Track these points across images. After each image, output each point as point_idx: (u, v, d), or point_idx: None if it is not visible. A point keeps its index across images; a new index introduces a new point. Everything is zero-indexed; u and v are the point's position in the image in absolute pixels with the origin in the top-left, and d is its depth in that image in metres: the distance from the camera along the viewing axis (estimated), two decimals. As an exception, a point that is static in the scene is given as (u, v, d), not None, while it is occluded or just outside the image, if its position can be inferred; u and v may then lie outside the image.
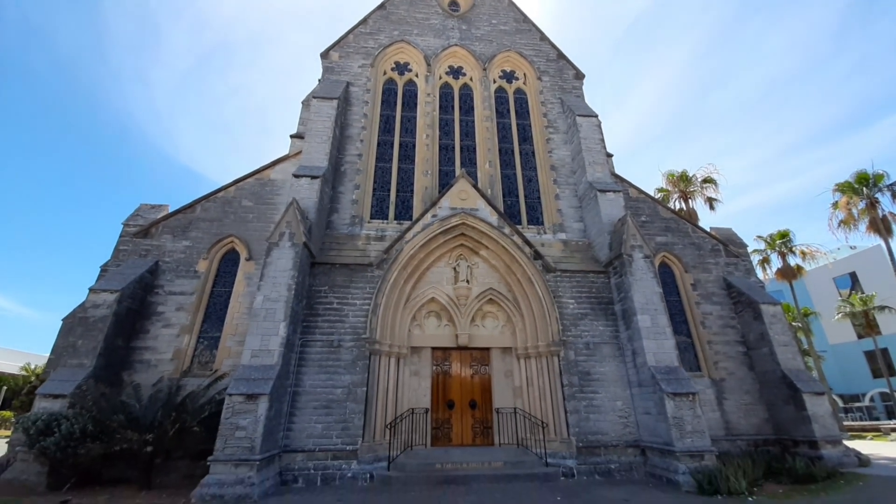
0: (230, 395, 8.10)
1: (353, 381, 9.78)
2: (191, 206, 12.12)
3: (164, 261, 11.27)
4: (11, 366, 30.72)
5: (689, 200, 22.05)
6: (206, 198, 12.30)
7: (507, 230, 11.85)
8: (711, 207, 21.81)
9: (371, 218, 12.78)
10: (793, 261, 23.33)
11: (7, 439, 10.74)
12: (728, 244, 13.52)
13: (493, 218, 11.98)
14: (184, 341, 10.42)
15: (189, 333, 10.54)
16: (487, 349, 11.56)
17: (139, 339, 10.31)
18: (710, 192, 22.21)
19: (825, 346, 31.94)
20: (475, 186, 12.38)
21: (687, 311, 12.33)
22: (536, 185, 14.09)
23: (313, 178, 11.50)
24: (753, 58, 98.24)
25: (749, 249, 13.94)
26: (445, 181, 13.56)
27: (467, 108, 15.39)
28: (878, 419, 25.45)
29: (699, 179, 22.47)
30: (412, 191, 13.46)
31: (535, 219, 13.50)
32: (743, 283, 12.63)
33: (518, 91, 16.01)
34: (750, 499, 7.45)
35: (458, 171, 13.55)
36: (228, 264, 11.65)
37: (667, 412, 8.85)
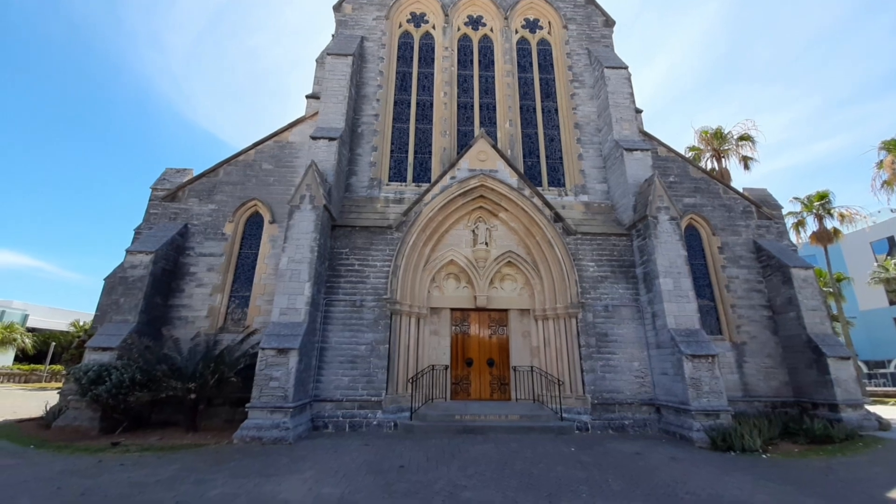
0: (263, 349, 8.63)
1: (375, 338, 10.20)
2: (214, 170, 12.32)
3: (193, 223, 11.66)
4: (60, 324, 33.38)
5: (723, 160, 20.84)
6: (227, 161, 12.44)
7: (526, 192, 11.60)
8: (746, 167, 20.60)
9: (389, 180, 12.70)
10: (830, 224, 22.09)
11: (58, 390, 11.90)
12: (761, 206, 12.88)
13: (513, 179, 11.71)
14: (217, 300, 10.99)
15: (221, 293, 11.09)
16: (505, 311, 11.74)
17: (176, 298, 10.93)
18: (746, 151, 20.89)
19: (855, 312, 30.93)
20: (494, 147, 12.03)
21: (712, 274, 12.04)
22: (559, 145, 13.55)
23: (331, 139, 11.39)
24: (796, 7, 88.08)
25: (784, 212, 13.25)
26: (464, 142, 13.20)
27: (487, 62, 14.62)
28: (903, 385, 24.94)
29: (735, 137, 21.08)
30: (430, 152, 13.20)
31: (557, 180, 13.12)
32: (774, 246, 12.14)
33: (542, 42, 15.02)
34: (764, 456, 7.61)
35: (476, 130, 13.14)
36: (253, 227, 11.96)
37: (684, 373, 8.93)
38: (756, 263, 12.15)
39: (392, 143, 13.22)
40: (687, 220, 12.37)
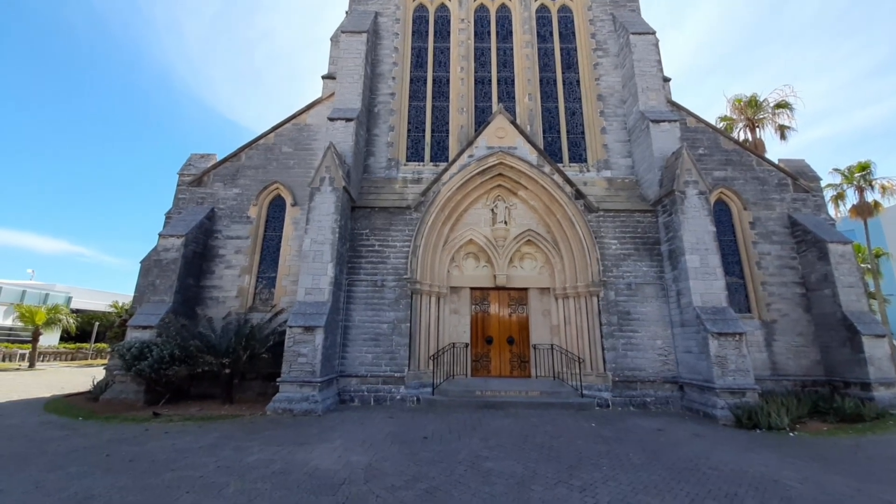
0: (290, 327, 8.98)
1: (397, 317, 10.42)
2: (236, 155, 12.55)
3: (219, 207, 12.01)
4: (101, 305, 35.45)
5: (757, 129, 19.65)
6: (248, 146, 12.64)
7: (546, 169, 11.35)
8: (783, 137, 19.38)
9: (407, 160, 12.65)
10: (871, 196, 20.72)
11: (104, 366, 12.76)
12: (798, 178, 12.17)
13: (533, 156, 11.45)
14: (245, 281, 11.42)
15: (249, 274, 11.51)
16: (525, 289, 11.73)
17: (207, 279, 11.42)
18: (783, 119, 19.58)
19: (893, 289, 29.35)
20: (513, 123, 11.73)
21: (742, 251, 11.60)
22: (580, 119, 13.08)
23: (348, 120, 11.37)
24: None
25: (822, 184, 12.48)
26: (482, 118, 12.93)
27: (505, 33, 14.09)
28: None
29: (771, 104, 19.76)
30: (447, 130, 13.01)
31: (578, 156, 12.74)
32: (810, 220, 11.53)
33: (563, 9, 14.31)
34: (791, 434, 7.49)
35: (494, 106, 12.82)
36: (276, 210, 12.23)
37: (709, 351, 8.78)
38: (790, 239, 11.61)
39: (409, 123, 13.08)
40: (716, 194, 11.86)
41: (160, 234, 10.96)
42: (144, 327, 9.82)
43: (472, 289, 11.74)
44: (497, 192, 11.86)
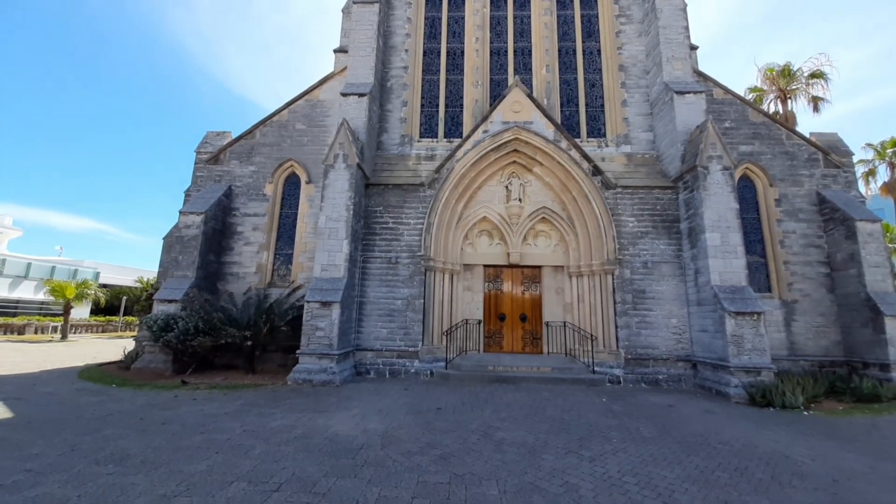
0: (308, 302, 9.23)
1: (410, 293, 10.58)
2: (251, 132, 12.59)
3: (236, 185, 12.18)
4: (127, 280, 36.86)
5: (789, 101, 18.61)
6: (262, 123, 12.64)
7: (563, 144, 11.06)
8: (816, 109, 18.33)
9: (420, 137, 12.49)
10: (903, 174, 19.63)
11: (133, 338, 13.38)
12: (829, 153, 11.58)
13: (549, 131, 11.15)
14: (263, 257, 11.70)
15: (267, 250, 11.77)
16: (539, 267, 11.70)
17: (227, 256, 11.73)
18: (817, 90, 18.47)
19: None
20: (529, 96, 11.38)
21: (765, 229, 11.24)
22: (600, 91, 12.59)
23: (360, 95, 11.21)
24: None
25: (854, 160, 11.86)
26: (497, 92, 12.57)
27: (522, 0, 13.46)
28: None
29: (805, 74, 18.61)
30: (461, 105, 12.72)
31: (597, 130, 12.35)
32: (839, 197, 11.04)
33: (584, -27, 13.52)
34: (805, 413, 7.46)
35: (510, 79, 12.42)
36: (291, 187, 12.34)
37: (726, 330, 8.69)
38: (817, 217, 11.17)
39: (422, 98, 12.82)
40: (741, 170, 11.41)
41: (181, 212, 11.23)
42: (170, 301, 10.23)
43: (485, 266, 11.77)
44: (512, 168, 11.67)
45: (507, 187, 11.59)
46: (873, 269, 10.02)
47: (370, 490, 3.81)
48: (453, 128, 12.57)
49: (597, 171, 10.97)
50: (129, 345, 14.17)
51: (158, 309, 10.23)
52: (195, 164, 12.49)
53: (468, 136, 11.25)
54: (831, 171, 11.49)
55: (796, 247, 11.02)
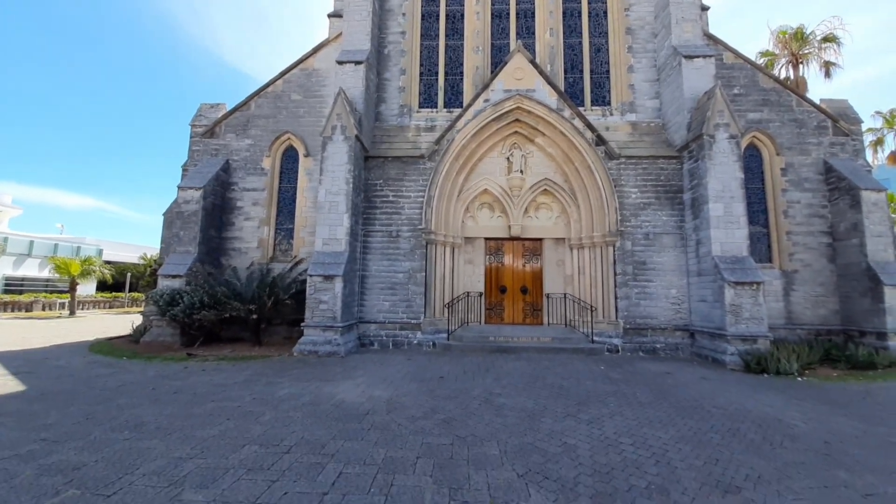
0: (311, 276, 9.31)
1: (412, 267, 10.63)
2: (245, 103, 12.27)
3: (233, 159, 11.99)
4: (130, 257, 37.04)
5: (801, 66, 17.95)
6: (257, 94, 12.29)
7: (566, 113, 10.78)
8: (828, 74, 17.71)
9: (420, 107, 12.16)
10: (912, 142, 19.21)
11: (141, 313, 13.57)
12: (839, 120, 11.27)
13: (552, 99, 10.84)
14: (264, 232, 11.69)
15: (267, 225, 11.74)
16: (540, 239, 11.69)
17: (228, 231, 11.72)
18: (830, 55, 17.78)
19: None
20: (532, 62, 10.98)
21: (769, 199, 11.12)
22: (606, 56, 12.13)
23: (357, 63, 10.83)
24: None
25: (862, 128, 11.56)
26: (499, 58, 12.12)
27: (526, -42, 12.73)
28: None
29: (818, 38, 17.86)
30: (461, 73, 12.30)
31: (602, 98, 11.99)
32: (846, 165, 10.85)
33: (591, -73, 12.71)
34: (799, 379, 7.64)
35: (513, 44, 11.95)
36: (289, 161, 12.15)
37: (724, 300, 8.77)
38: (822, 186, 11.02)
39: (421, 65, 12.39)
40: (748, 138, 11.16)
41: (179, 187, 11.13)
42: (174, 276, 10.32)
43: (486, 239, 11.76)
44: (513, 139, 11.43)
45: (508, 159, 11.40)
46: (875, 239, 9.98)
47: (377, 451, 3.97)
48: (453, 97, 12.21)
49: (600, 140, 10.74)
50: (137, 320, 14.44)
51: (163, 284, 10.33)
52: (190, 137, 12.25)
53: (469, 106, 10.96)
54: (839, 139, 11.23)
55: (800, 217, 10.94)
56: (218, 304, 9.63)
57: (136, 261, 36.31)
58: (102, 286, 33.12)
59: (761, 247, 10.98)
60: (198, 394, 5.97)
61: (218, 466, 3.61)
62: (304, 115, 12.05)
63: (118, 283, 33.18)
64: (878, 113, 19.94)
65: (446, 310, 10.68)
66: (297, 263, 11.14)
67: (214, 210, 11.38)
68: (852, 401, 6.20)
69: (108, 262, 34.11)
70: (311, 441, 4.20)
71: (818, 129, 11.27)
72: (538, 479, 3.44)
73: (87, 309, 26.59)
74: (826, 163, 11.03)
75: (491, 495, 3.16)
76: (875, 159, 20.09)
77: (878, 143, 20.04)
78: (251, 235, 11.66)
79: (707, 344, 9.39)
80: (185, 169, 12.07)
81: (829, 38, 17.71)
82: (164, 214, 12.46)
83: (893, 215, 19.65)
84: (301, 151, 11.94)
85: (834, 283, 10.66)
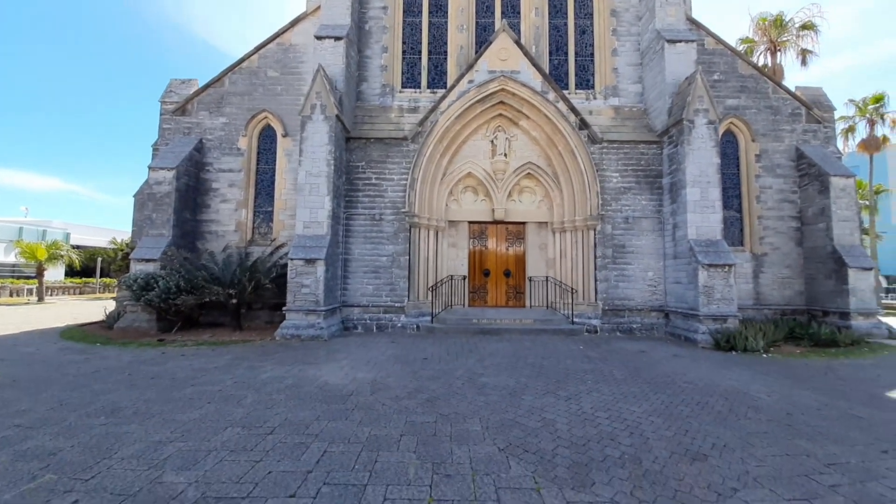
0: (292, 259, 9.15)
1: (395, 250, 10.58)
2: (219, 79, 11.71)
3: (207, 138, 11.50)
4: (100, 241, 35.50)
5: (779, 53, 18.33)
6: (231, 69, 11.73)
7: (551, 96, 10.73)
8: (804, 62, 18.16)
9: (402, 87, 11.87)
10: (881, 131, 20.08)
11: (114, 298, 13.12)
12: (812, 107, 11.61)
13: (537, 82, 10.75)
14: (242, 215, 11.36)
15: (245, 208, 11.40)
16: (523, 223, 11.77)
17: (204, 213, 11.34)
18: (807, 43, 18.21)
19: (887, 226, 29.69)
20: (517, 43, 10.82)
21: (743, 184, 11.47)
22: (590, 38, 12.05)
23: (337, 38, 10.44)
24: None
25: (835, 115, 11.95)
26: (483, 37, 11.89)
27: (511, -67, 12.37)
28: (922, 300, 24.83)
29: (796, 25, 18.21)
30: (445, 52, 12.02)
31: (586, 81, 11.97)
32: (817, 152, 11.24)
33: None
34: (764, 355, 8.06)
35: (497, 23, 11.72)
36: (267, 141, 11.75)
37: (698, 281, 9.10)
38: (794, 172, 11.42)
39: (403, 43, 12.04)
40: (726, 124, 11.40)
41: (150, 167, 10.64)
42: (147, 260, 9.97)
43: (470, 223, 11.77)
44: (497, 121, 11.34)
45: (492, 142, 11.33)
46: (842, 224, 10.46)
47: (361, 430, 4.02)
48: (437, 77, 11.97)
49: (584, 124, 10.77)
50: (110, 305, 13.95)
51: (136, 269, 9.97)
52: (160, 115, 11.66)
53: (453, 87, 10.77)
54: (812, 126, 11.60)
55: (771, 202, 11.34)
56: (196, 289, 9.38)
57: (106, 245, 34.81)
58: (72, 272, 31.78)
59: (734, 230, 11.37)
60: (177, 378, 5.86)
61: (199, 449, 3.59)
62: (282, 93, 11.61)
63: (88, 268, 31.89)
64: (851, 101, 20.62)
65: (430, 293, 10.73)
66: (278, 247, 10.92)
67: (188, 192, 10.97)
68: (814, 376, 6.54)
69: (76, 247, 32.67)
70: (295, 422, 4.21)
71: (792, 116, 11.59)
72: (518, 452, 3.56)
73: (57, 295, 25.52)
74: (798, 149, 11.40)
75: (473, 468, 3.26)
76: (846, 147, 20.89)
77: (850, 130, 20.78)
78: (228, 218, 11.32)
79: (680, 324, 9.77)
80: (155, 148, 11.52)
81: (808, 26, 18.08)
82: (134, 196, 11.92)
83: (861, 201, 20.69)
84: (279, 131, 11.54)
85: (800, 265, 11.19)
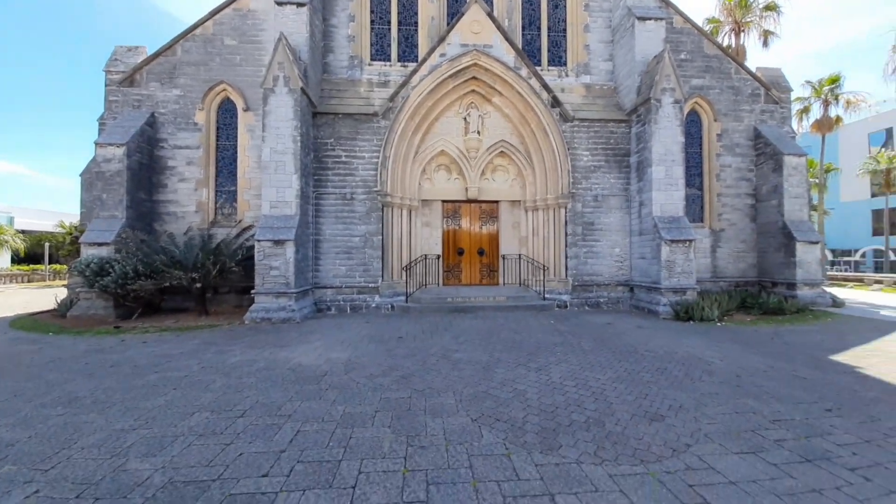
0: (259, 241, 8.82)
1: (368, 230, 10.40)
2: (170, 47, 10.80)
3: (160, 112, 10.69)
4: (47, 225, 32.91)
5: (742, 34, 18.79)
6: (184, 36, 10.82)
7: (524, 72, 10.61)
8: (766, 43, 18.73)
9: (372, 59, 11.39)
10: (834, 112, 21.24)
11: (65, 285, 12.29)
12: (771, 88, 12.10)
13: (510, 57, 10.58)
14: (203, 195, 10.76)
15: (206, 187, 10.80)
16: (496, 202, 11.82)
17: (160, 193, 10.66)
18: (769, 24, 18.72)
19: (835, 203, 31.92)
20: (490, 15, 10.55)
21: (705, 162, 11.94)
22: (563, 14, 11.91)
23: (299, 5, 9.80)
24: None
25: (792, 96, 12.53)
26: (456, 9, 11.50)
27: None
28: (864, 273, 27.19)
29: (760, 6, 18.66)
30: (416, 23, 11.57)
31: (558, 58, 11.90)
32: (773, 132, 11.80)
33: None
34: (719, 324, 8.65)
35: (470, -6, 11.31)
36: (227, 115, 11.05)
37: (661, 256, 9.53)
38: (752, 151, 11.98)
39: (372, 12, 11.47)
40: (691, 103, 11.71)
41: (97, 143, 9.81)
42: (100, 244, 9.34)
43: (443, 202, 11.70)
44: (470, 98, 11.15)
45: (465, 119, 11.17)
46: (793, 200, 11.14)
47: (335, 409, 4.02)
48: (408, 49, 11.54)
49: (556, 102, 10.77)
50: (61, 293, 13.07)
51: (88, 253, 9.34)
52: (106, 86, 10.69)
53: (424, 60, 10.43)
54: (770, 106, 12.11)
55: (730, 180, 11.89)
56: (155, 274, 8.91)
57: (53, 229, 32.42)
58: (18, 259, 29.48)
59: (696, 208, 11.90)
60: (139, 366, 5.62)
61: (165, 435, 3.49)
62: (241, 64, 10.88)
63: (35, 254, 29.67)
64: (807, 82, 21.57)
65: (404, 273, 10.70)
66: (245, 228, 10.47)
67: (142, 170, 10.25)
68: (763, 341, 7.07)
69: (21, 232, 30.22)
70: (267, 404, 4.16)
71: (752, 96, 12.05)
72: (490, 422, 3.68)
73: (3, 283, 23.65)
74: (756, 129, 11.92)
75: (446, 439, 3.35)
76: (800, 127, 21.99)
77: (805, 111, 21.81)
78: (188, 199, 10.71)
79: (644, 297, 10.26)
80: (102, 122, 10.61)
81: (771, 7, 18.54)
82: (81, 175, 11.04)
83: (812, 179, 22.04)
84: (240, 105, 10.87)
85: (754, 240, 11.90)
